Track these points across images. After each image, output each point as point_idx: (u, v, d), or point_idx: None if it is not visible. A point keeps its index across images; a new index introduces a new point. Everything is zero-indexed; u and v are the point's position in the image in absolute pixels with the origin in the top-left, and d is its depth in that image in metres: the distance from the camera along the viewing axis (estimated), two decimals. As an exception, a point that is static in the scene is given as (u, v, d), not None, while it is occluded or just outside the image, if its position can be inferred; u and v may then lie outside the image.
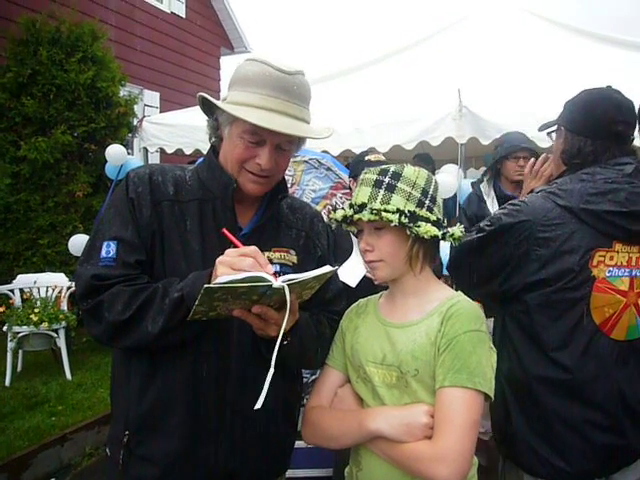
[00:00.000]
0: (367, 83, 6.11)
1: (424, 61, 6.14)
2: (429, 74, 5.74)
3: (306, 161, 3.72)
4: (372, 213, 1.44)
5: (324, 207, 3.68)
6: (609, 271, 1.76)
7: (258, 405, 1.29)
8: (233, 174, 1.53)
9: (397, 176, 1.49)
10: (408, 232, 1.45)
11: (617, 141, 1.86)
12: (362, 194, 1.50)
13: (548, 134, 2.15)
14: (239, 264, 1.30)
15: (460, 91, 4.64)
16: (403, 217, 1.43)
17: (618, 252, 1.77)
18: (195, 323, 1.37)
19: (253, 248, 1.36)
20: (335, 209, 3.33)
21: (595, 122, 1.86)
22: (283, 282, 1.27)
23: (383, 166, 1.53)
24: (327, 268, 1.37)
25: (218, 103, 1.48)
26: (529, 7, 6.82)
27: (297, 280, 1.30)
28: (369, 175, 1.52)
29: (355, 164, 3.15)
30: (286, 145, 1.54)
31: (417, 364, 1.43)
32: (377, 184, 1.48)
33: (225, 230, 1.45)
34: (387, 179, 1.48)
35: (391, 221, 1.42)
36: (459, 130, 4.69)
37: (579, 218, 1.76)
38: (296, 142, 1.59)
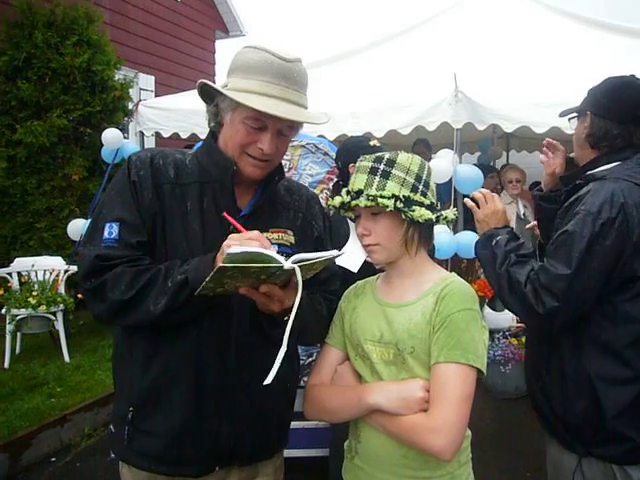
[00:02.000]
0: (363, 67, 6.11)
1: (420, 45, 6.15)
2: (425, 59, 5.75)
3: (303, 146, 3.74)
4: (368, 199, 1.50)
5: (321, 191, 3.70)
6: None
7: (267, 381, 1.34)
8: (233, 158, 1.57)
9: (391, 163, 1.54)
10: (403, 216, 1.50)
11: (632, 123, 1.93)
12: (358, 181, 1.55)
13: (569, 119, 2.19)
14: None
15: (456, 76, 4.66)
16: (398, 202, 1.48)
17: None
18: (197, 305, 1.42)
19: (256, 232, 1.41)
20: (333, 195, 3.36)
21: (621, 107, 1.94)
22: (293, 263, 1.31)
23: (378, 154, 1.58)
24: (335, 252, 1.43)
25: (222, 90, 1.51)
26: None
27: (306, 263, 1.34)
28: (364, 163, 1.57)
29: (357, 150, 3.08)
30: (287, 130, 1.58)
31: (413, 342, 1.49)
32: (372, 171, 1.54)
33: (226, 214, 1.49)
34: (382, 166, 1.54)
35: (387, 206, 1.48)
36: (455, 115, 4.72)
37: None
38: (296, 127, 1.63)
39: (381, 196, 1.48)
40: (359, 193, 1.52)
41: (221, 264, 1.23)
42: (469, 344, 1.44)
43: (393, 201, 1.48)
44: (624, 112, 1.93)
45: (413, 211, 1.49)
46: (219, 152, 1.61)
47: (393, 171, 1.53)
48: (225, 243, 1.38)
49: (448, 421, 1.39)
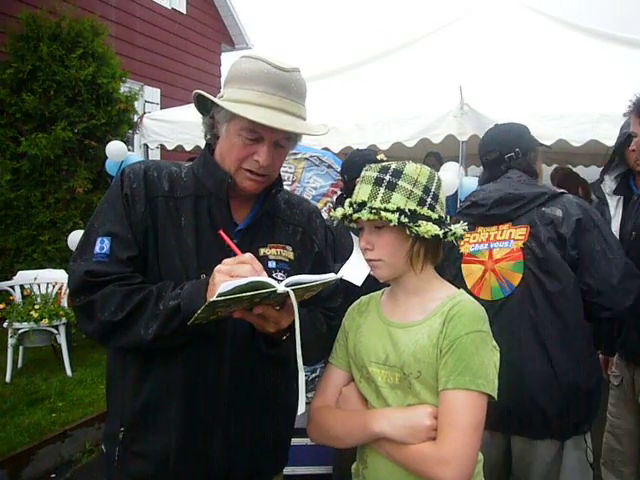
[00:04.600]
0: (368, 79, 6.10)
1: (426, 58, 6.13)
2: (431, 71, 5.73)
3: (307, 158, 3.71)
4: (371, 212, 1.42)
5: (325, 205, 3.67)
6: (473, 247, 2.35)
7: (301, 410, 1.32)
8: (230, 172, 1.53)
9: (398, 174, 1.45)
10: (408, 232, 1.42)
11: (488, 166, 2.56)
12: (362, 192, 1.47)
13: None
14: (237, 271, 1.30)
15: (462, 88, 4.62)
16: (403, 217, 1.40)
17: (480, 233, 2.35)
18: (190, 332, 1.36)
19: (249, 255, 1.37)
20: (335, 207, 3.32)
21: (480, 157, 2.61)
22: (287, 286, 1.27)
23: (384, 163, 1.50)
24: (332, 276, 1.37)
25: (217, 100, 1.48)
26: (530, 4, 6.82)
27: (301, 286, 1.30)
28: (370, 172, 1.49)
29: (363, 164, 3.01)
30: (283, 142, 1.53)
31: (419, 366, 1.42)
32: (377, 182, 1.45)
33: (221, 232, 1.44)
34: (388, 177, 1.45)
35: (390, 220, 1.40)
36: (460, 128, 4.68)
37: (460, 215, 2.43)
38: (293, 139, 1.58)
39: (385, 209, 1.40)
40: (362, 205, 1.44)
41: (212, 299, 1.19)
42: (479, 369, 1.37)
43: (397, 215, 1.40)
44: (481, 160, 2.61)
45: (419, 226, 1.41)
46: (215, 164, 1.56)
47: (399, 182, 1.44)
48: (217, 269, 1.33)
49: (458, 451, 1.32)
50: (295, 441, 1.76)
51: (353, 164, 3.11)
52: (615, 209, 3.29)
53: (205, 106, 1.57)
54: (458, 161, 4.86)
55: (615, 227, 3.21)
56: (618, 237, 3.17)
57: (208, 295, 1.31)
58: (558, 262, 2.20)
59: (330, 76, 6.37)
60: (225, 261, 1.35)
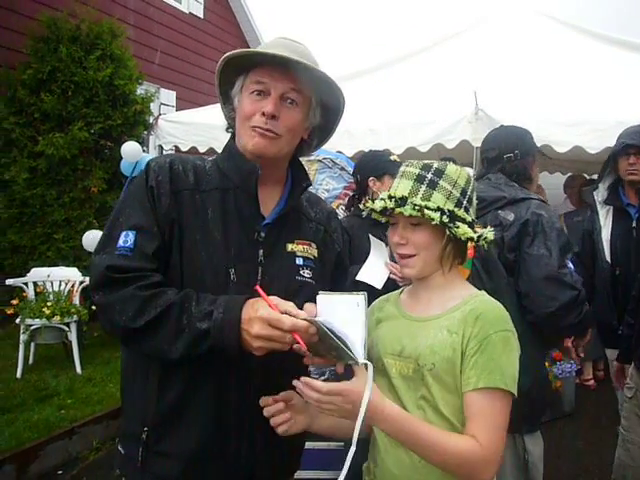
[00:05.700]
0: (383, 84, 6.10)
1: (440, 63, 6.12)
2: (445, 76, 5.72)
3: (320, 160, 3.72)
4: (414, 209, 1.41)
5: (337, 207, 3.67)
6: None
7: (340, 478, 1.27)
8: (243, 138, 1.52)
9: (440, 173, 1.47)
10: (447, 232, 1.43)
11: (486, 163, 2.71)
12: (402, 187, 1.47)
13: None
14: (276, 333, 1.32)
15: (476, 94, 4.60)
16: (444, 216, 1.42)
17: None
18: (217, 349, 1.35)
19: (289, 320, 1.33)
20: (348, 209, 3.32)
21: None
22: (365, 359, 1.35)
23: (426, 161, 1.52)
24: (360, 295, 1.42)
25: (230, 53, 1.53)
26: (545, 10, 6.79)
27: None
28: (411, 169, 1.50)
29: (377, 164, 3.03)
30: (291, 95, 1.50)
31: (435, 358, 1.41)
32: (419, 179, 1.46)
33: (258, 287, 1.38)
34: (430, 175, 1.47)
35: (433, 219, 1.41)
36: (475, 133, 4.64)
37: None
38: (303, 94, 1.52)
39: (427, 207, 1.41)
40: (403, 200, 1.44)
41: (321, 325, 1.27)
42: (507, 368, 1.38)
43: (439, 214, 1.40)
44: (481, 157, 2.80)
45: (457, 227, 1.42)
46: (241, 157, 1.54)
47: (440, 182, 1.46)
48: (260, 317, 1.31)
49: (497, 451, 1.35)
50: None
51: (366, 164, 3.10)
52: (605, 219, 3.33)
53: (226, 95, 1.60)
54: (472, 166, 4.83)
55: (605, 236, 3.23)
56: (608, 246, 3.21)
57: (243, 326, 1.33)
58: (494, 262, 2.34)
59: (344, 80, 6.34)
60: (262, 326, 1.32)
